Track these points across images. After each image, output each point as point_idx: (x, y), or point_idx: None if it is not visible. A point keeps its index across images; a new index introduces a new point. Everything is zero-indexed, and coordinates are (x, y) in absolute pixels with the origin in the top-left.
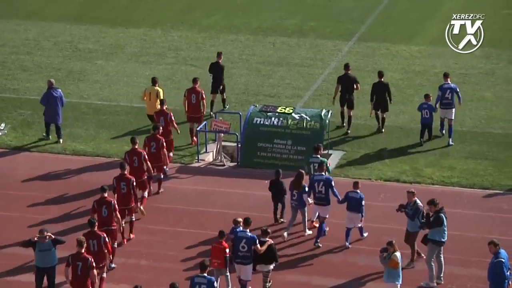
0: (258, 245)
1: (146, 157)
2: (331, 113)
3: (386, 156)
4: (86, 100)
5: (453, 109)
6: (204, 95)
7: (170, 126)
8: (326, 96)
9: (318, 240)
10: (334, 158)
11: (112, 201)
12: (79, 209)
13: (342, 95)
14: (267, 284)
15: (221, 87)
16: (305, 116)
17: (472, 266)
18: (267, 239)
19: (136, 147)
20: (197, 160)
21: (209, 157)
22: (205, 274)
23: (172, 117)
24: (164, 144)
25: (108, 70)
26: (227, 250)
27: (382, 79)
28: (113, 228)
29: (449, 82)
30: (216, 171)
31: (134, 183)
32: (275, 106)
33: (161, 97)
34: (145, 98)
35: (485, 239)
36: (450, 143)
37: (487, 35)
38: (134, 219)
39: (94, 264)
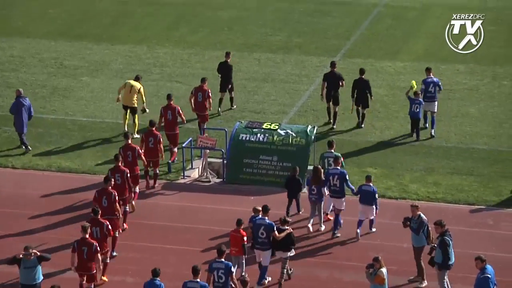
0: (276, 232)
1: (140, 151)
2: (316, 129)
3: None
4: (71, 116)
5: (436, 102)
6: (210, 94)
7: (177, 119)
8: (311, 112)
9: (336, 231)
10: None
11: (113, 193)
12: (64, 225)
13: (328, 91)
14: (289, 271)
15: (229, 86)
16: (290, 132)
17: (458, 282)
18: (286, 227)
19: (130, 142)
20: (182, 177)
21: (195, 174)
22: (223, 260)
23: (180, 110)
24: (161, 139)
25: (93, 86)
26: (245, 238)
27: (363, 76)
28: (114, 217)
29: (431, 76)
30: (202, 188)
31: (128, 175)
32: (261, 122)
33: (142, 93)
34: (123, 89)
35: (470, 255)
36: (433, 134)
37: (471, 52)
38: (128, 210)
39: (99, 248)
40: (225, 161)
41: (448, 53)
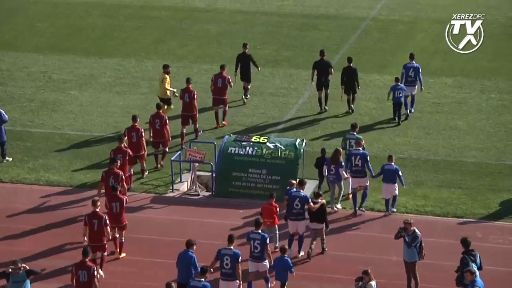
0: (312, 203)
1: (143, 133)
2: (305, 142)
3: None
4: (60, 130)
5: (416, 86)
6: (230, 80)
7: (194, 101)
8: (300, 126)
9: (363, 206)
10: (309, 188)
11: (120, 173)
12: (53, 239)
13: (319, 79)
14: (324, 245)
15: (248, 77)
16: (279, 146)
17: None
18: (319, 200)
19: (136, 124)
20: (171, 190)
21: (184, 187)
22: (259, 231)
23: (195, 94)
24: (167, 121)
25: (82, 100)
26: (277, 209)
27: (351, 64)
28: (120, 195)
29: (413, 62)
30: (191, 201)
31: (131, 153)
32: (250, 135)
33: (166, 84)
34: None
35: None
36: (412, 111)
37: (459, 66)
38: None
39: (108, 221)
40: (214, 175)
41: (436, 67)
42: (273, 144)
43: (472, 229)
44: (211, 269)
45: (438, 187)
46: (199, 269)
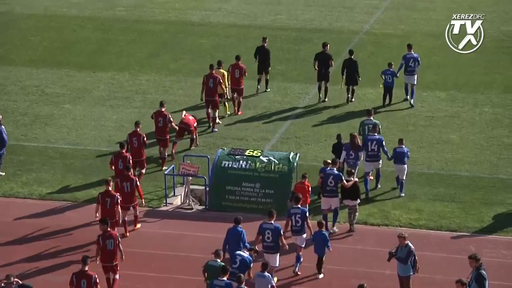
0: (345, 181)
1: (145, 139)
2: (299, 156)
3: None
4: (53, 144)
5: (415, 76)
6: (246, 71)
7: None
8: (294, 139)
9: (378, 185)
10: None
11: (128, 156)
12: (46, 253)
13: (320, 70)
14: (353, 220)
15: (267, 69)
16: (273, 159)
17: None
18: (351, 178)
19: (138, 129)
20: (165, 204)
21: (177, 201)
22: (299, 206)
23: (171, 118)
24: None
25: (75, 114)
26: (310, 189)
27: (352, 57)
28: (131, 175)
29: (412, 52)
30: (184, 215)
31: (145, 138)
32: (243, 149)
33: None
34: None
35: (453, 282)
36: (412, 103)
37: (451, 79)
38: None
39: (119, 200)
40: (207, 188)
41: (429, 81)
42: (267, 158)
43: (466, 243)
44: (255, 246)
45: (431, 200)
46: (247, 245)
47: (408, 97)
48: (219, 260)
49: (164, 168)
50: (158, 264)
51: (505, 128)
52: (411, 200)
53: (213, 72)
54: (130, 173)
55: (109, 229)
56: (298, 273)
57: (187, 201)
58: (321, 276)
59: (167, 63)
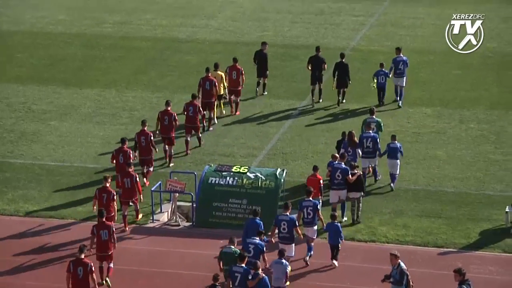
0: (350, 176)
1: (152, 138)
2: (286, 172)
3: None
4: (39, 161)
5: (404, 78)
6: (243, 72)
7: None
8: (281, 155)
9: (378, 177)
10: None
11: (128, 150)
12: (33, 270)
13: (313, 73)
14: (359, 212)
15: (265, 72)
16: (260, 176)
17: None
18: (355, 171)
19: (145, 128)
20: (151, 221)
21: (164, 217)
22: (310, 198)
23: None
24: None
25: (62, 131)
26: (321, 181)
27: (343, 60)
28: (131, 171)
29: (401, 55)
30: (171, 232)
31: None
32: (230, 165)
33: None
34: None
35: None
36: (400, 104)
37: (438, 96)
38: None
39: (115, 197)
40: (194, 205)
41: (416, 97)
42: (254, 174)
43: (453, 259)
44: (272, 237)
45: (418, 216)
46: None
47: (398, 98)
48: (233, 247)
49: (171, 165)
50: (145, 281)
51: (491, 144)
52: (398, 216)
53: (209, 75)
54: (131, 169)
55: (104, 220)
56: (308, 263)
57: (174, 217)
58: (336, 263)
59: (154, 80)
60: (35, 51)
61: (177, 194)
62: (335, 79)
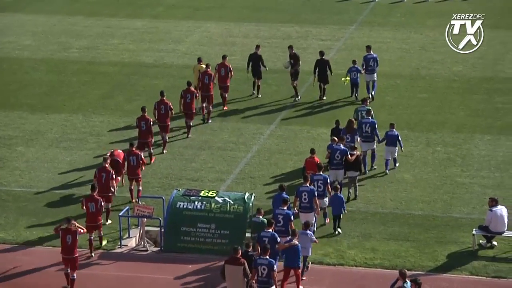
0: (349, 156)
1: (152, 122)
2: (254, 197)
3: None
4: (5, 187)
5: (375, 74)
6: (231, 68)
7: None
8: (249, 180)
9: (374, 165)
10: None
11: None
12: None
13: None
14: (356, 192)
15: (259, 74)
16: (228, 200)
17: None
18: (354, 152)
19: (145, 114)
20: (119, 246)
21: (132, 242)
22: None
23: (213, 77)
24: (151, 123)
25: (28, 156)
26: (319, 162)
27: (323, 57)
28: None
29: (371, 53)
30: (139, 257)
31: (151, 122)
32: (198, 190)
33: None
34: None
35: None
36: (373, 94)
37: (404, 119)
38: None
39: (114, 176)
40: (162, 230)
41: (383, 120)
42: (222, 199)
43: (421, 282)
44: (295, 209)
45: (386, 239)
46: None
47: (371, 91)
48: (260, 217)
49: (165, 151)
50: None
51: (458, 167)
52: (366, 239)
53: (208, 70)
54: (134, 148)
55: (94, 194)
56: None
57: (142, 242)
58: (340, 230)
59: (122, 104)
60: (1, 76)
61: (145, 219)
62: (316, 75)
